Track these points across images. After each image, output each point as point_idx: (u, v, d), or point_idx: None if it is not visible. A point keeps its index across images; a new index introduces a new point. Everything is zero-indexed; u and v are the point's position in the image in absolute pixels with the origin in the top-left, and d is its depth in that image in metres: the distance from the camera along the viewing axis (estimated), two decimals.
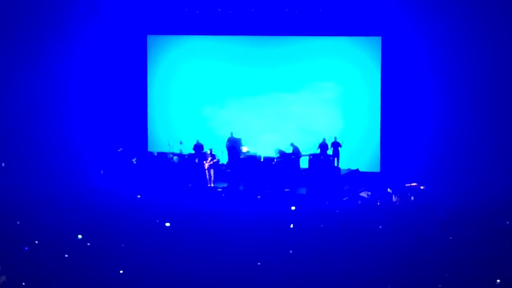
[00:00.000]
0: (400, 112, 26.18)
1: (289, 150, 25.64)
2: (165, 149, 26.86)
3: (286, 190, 24.26)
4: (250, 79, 28.12)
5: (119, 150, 26.56)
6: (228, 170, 26.09)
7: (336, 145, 26.02)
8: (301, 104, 27.60)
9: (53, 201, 19.91)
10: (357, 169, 26.43)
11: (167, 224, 17.15)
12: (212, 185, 25.31)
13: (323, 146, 25.84)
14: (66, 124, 27.96)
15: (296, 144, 25.76)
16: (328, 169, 24.78)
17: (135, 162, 26.44)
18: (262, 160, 25.44)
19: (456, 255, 14.40)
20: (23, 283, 13.16)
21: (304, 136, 26.92)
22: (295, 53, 27.61)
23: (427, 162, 25.40)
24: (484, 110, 25.13)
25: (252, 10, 26.90)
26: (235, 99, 28.27)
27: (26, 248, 14.81)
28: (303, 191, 24.42)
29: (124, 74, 28.51)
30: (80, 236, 15.76)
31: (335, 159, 25.86)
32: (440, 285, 13.19)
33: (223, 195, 24.16)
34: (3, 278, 12.95)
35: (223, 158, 26.83)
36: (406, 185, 24.05)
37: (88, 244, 15.42)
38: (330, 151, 25.88)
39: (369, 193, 23.87)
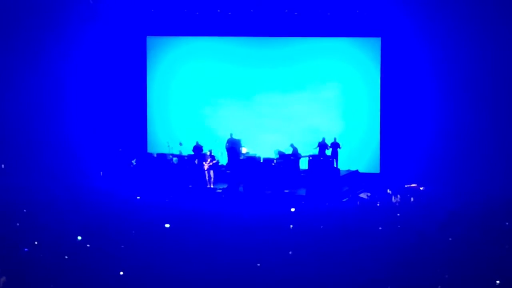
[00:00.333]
0: (400, 113, 26.18)
1: (289, 151, 25.64)
2: (164, 150, 26.87)
3: (285, 191, 24.26)
4: (249, 80, 28.13)
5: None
6: (228, 171, 26.09)
7: (335, 146, 26.03)
8: (301, 105, 27.61)
9: (53, 202, 19.91)
10: (357, 170, 26.43)
11: (167, 225, 17.15)
12: (211, 186, 25.31)
13: (322, 145, 25.84)
14: (66, 125, 27.96)
15: (295, 145, 25.77)
16: (328, 170, 24.78)
17: (134, 163, 26.44)
18: (261, 161, 25.44)
19: (456, 256, 14.39)
20: (23, 284, 13.16)
21: (304, 137, 26.91)
22: (295, 54, 27.62)
23: (427, 163, 25.41)
24: (483, 111, 25.13)
25: (252, 11, 26.90)
26: (234, 100, 28.28)
27: (26, 249, 14.80)
28: (302, 192, 24.42)
29: (124, 75, 28.52)
30: (79, 237, 15.75)
31: (335, 160, 25.87)
32: (439, 286, 13.19)
33: (223, 196, 24.15)
34: (3, 279, 12.95)
35: (223, 159, 26.84)
36: (406, 186, 24.05)
37: (88, 245, 15.41)
38: (329, 152, 25.88)
39: (369, 194, 23.87)
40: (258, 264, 14.21)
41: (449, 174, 24.91)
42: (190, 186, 25.17)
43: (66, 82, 27.98)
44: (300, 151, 25.69)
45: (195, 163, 25.62)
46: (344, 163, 26.26)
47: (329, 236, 16.23)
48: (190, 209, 20.22)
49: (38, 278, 13.31)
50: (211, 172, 25.34)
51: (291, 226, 17.42)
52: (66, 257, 14.42)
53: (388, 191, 23.36)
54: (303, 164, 25.55)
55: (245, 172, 25.14)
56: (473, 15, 24.64)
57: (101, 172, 26.49)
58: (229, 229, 16.86)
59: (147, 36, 28.88)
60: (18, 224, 17.05)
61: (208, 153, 25.58)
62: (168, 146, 26.89)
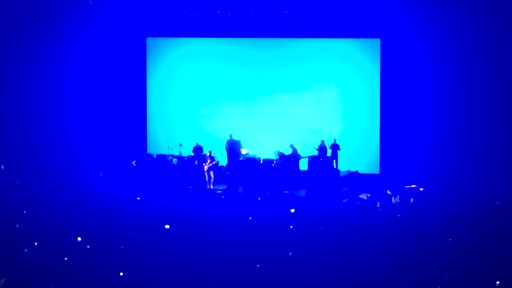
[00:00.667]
0: (399, 114, 26.21)
1: (289, 152, 25.65)
2: (164, 151, 26.90)
3: (285, 192, 24.27)
4: (249, 81, 28.16)
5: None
6: (228, 172, 26.12)
7: (335, 147, 26.04)
8: (300, 106, 27.63)
9: (53, 203, 19.89)
10: (357, 171, 26.44)
11: (167, 226, 17.14)
12: (211, 187, 25.32)
13: (321, 148, 25.86)
14: (66, 127, 27.95)
15: (295, 146, 25.78)
16: (328, 171, 24.80)
17: (134, 164, 26.44)
18: (261, 162, 25.45)
19: (456, 257, 14.39)
20: (23, 285, 13.15)
21: (303, 138, 26.94)
22: (295, 55, 27.65)
23: (427, 164, 25.42)
24: (483, 112, 25.14)
25: (251, 12, 26.91)
26: (234, 101, 28.30)
27: (26, 250, 14.79)
28: (302, 193, 24.42)
29: (124, 76, 28.55)
30: (79, 239, 15.74)
31: (334, 161, 25.89)
32: (439, 287, 13.19)
33: (223, 197, 24.14)
34: (3, 280, 12.95)
35: (223, 160, 26.85)
36: (406, 187, 24.04)
37: (88, 246, 15.40)
38: (328, 153, 25.90)
39: (369, 195, 23.88)
40: (258, 265, 14.20)
41: (449, 175, 24.91)
42: (190, 187, 25.17)
43: (66, 83, 27.98)
44: (299, 152, 25.71)
45: (195, 164, 25.62)
46: (344, 164, 26.28)
47: (329, 237, 16.22)
48: (190, 210, 20.19)
49: (38, 279, 13.31)
50: (211, 173, 25.36)
51: (291, 226, 17.41)
52: (66, 258, 14.41)
53: (388, 192, 23.36)
54: (303, 165, 25.56)
55: (245, 173, 25.15)
56: (473, 16, 24.65)
57: (101, 173, 26.49)
58: (229, 230, 16.84)
59: (147, 37, 28.92)
60: (18, 225, 17.03)
61: (208, 154, 25.60)
62: (168, 147, 26.92)
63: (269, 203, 22.51)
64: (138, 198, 22.89)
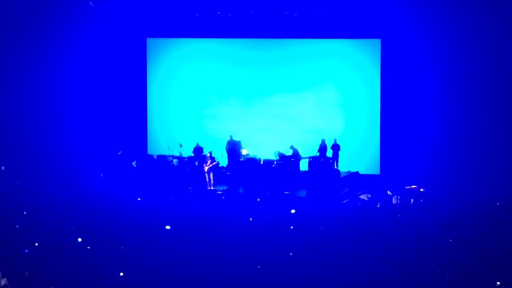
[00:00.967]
0: (400, 115, 26.20)
1: (289, 152, 25.65)
2: (165, 152, 26.90)
3: (286, 192, 24.26)
4: (249, 81, 28.16)
5: (118, 153, 26.58)
6: (228, 173, 26.11)
7: (335, 147, 26.05)
8: (301, 106, 27.63)
9: (53, 203, 19.89)
10: (357, 172, 26.44)
11: (167, 227, 17.13)
12: (212, 188, 25.31)
13: (322, 148, 25.87)
14: (66, 127, 27.96)
15: (296, 147, 25.78)
16: (328, 171, 24.80)
17: (135, 165, 26.44)
18: (261, 162, 25.45)
19: (456, 257, 14.38)
20: (24, 286, 13.16)
21: (304, 139, 26.93)
22: (295, 56, 27.65)
23: (427, 165, 25.42)
24: (484, 113, 25.14)
25: (252, 12, 26.91)
26: (234, 102, 28.30)
27: (26, 250, 14.80)
28: (303, 193, 24.42)
29: (124, 77, 28.56)
30: (80, 239, 15.74)
31: (334, 161, 25.89)
32: (440, 287, 13.19)
33: (223, 197, 24.14)
34: (4, 280, 12.95)
35: (223, 160, 26.85)
36: (406, 187, 24.04)
37: (88, 247, 15.40)
38: (329, 153, 25.90)
39: (369, 195, 23.87)
40: (258, 266, 14.20)
41: (449, 176, 24.90)
42: (190, 187, 25.17)
43: (66, 83, 27.99)
44: (300, 152, 25.71)
45: (195, 164, 25.62)
46: (344, 165, 26.28)
47: (329, 238, 16.21)
48: (190, 210, 20.19)
49: (39, 279, 13.31)
50: (211, 174, 25.36)
51: (291, 227, 17.41)
52: (67, 259, 14.41)
53: (388, 192, 23.36)
54: (303, 166, 25.56)
55: (245, 174, 25.15)
56: (474, 16, 24.65)
57: (102, 174, 26.49)
58: (229, 231, 16.84)
59: (147, 38, 28.91)
60: (18, 226, 17.03)
61: (208, 155, 25.60)
62: (168, 147, 26.91)
63: (270, 203, 22.51)
64: (139, 199, 22.89)
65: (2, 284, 12.93)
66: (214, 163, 25.46)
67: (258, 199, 22.97)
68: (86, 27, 27.62)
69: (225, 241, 15.79)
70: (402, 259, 14.37)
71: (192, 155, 26.30)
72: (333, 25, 26.46)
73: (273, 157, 25.65)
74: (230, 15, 27.16)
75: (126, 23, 28.10)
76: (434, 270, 13.87)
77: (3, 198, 21.05)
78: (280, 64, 27.81)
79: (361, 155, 27.04)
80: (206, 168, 25.33)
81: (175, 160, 26.28)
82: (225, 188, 25.14)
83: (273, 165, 25.22)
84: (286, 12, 26.65)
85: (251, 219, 18.57)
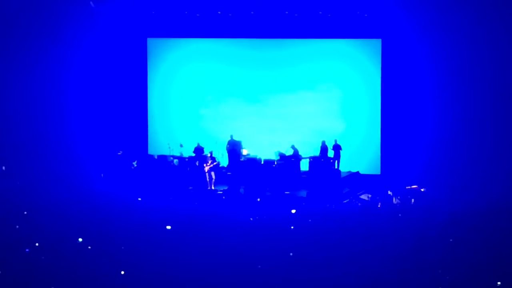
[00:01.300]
0: (400, 115, 26.19)
1: (290, 152, 25.64)
2: (165, 152, 26.90)
3: (286, 192, 24.25)
4: (250, 81, 28.15)
5: (119, 153, 26.59)
6: (229, 173, 26.10)
7: (336, 147, 26.04)
8: (301, 106, 27.61)
9: (54, 204, 19.89)
10: (358, 172, 26.43)
11: (168, 227, 17.14)
12: (212, 187, 25.31)
13: (323, 148, 25.86)
14: (67, 127, 27.96)
15: (296, 146, 25.77)
16: (329, 171, 24.79)
17: (135, 165, 26.44)
18: (262, 162, 25.44)
19: (457, 257, 14.38)
20: (24, 285, 13.16)
21: (304, 139, 26.92)
22: (296, 56, 27.63)
23: (428, 165, 25.41)
24: (484, 113, 25.13)
25: (252, 12, 26.90)
26: (235, 102, 28.29)
27: (27, 250, 14.80)
28: (303, 193, 24.41)
29: (124, 77, 28.54)
30: (80, 239, 15.75)
31: (336, 161, 25.89)
32: (440, 287, 13.19)
33: (224, 197, 24.14)
34: None
35: (224, 160, 26.84)
36: (407, 187, 24.04)
37: (89, 247, 15.41)
38: (331, 154, 25.89)
39: (370, 195, 23.86)
40: (259, 266, 14.20)
41: (450, 176, 24.90)
42: (191, 187, 25.17)
43: (67, 84, 27.99)
44: (301, 152, 25.70)
45: (195, 164, 25.61)
46: (345, 165, 26.27)
47: (329, 238, 16.21)
48: (191, 210, 20.20)
49: (39, 279, 13.31)
50: (212, 174, 25.35)
51: (292, 227, 17.41)
52: (67, 258, 14.41)
53: (389, 192, 23.36)
54: (304, 166, 25.56)
55: (246, 174, 25.14)
56: (474, 16, 24.64)
57: (102, 174, 26.49)
58: (229, 231, 16.84)
59: (148, 38, 28.90)
60: (18, 226, 17.04)
61: (209, 155, 25.59)
62: (169, 147, 26.91)
63: (270, 203, 22.51)
64: (139, 199, 22.89)
65: None
66: (214, 163, 25.45)
67: (258, 199, 22.97)
68: (87, 27, 27.62)
69: (226, 241, 15.80)
70: (402, 259, 14.37)
71: (193, 155, 26.30)
72: (334, 25, 26.45)
73: (273, 157, 25.64)
74: (230, 15, 27.15)
75: (127, 23, 28.09)
76: (434, 270, 13.87)
77: (3, 198, 21.06)
78: (281, 64, 27.80)
79: (361, 155, 27.04)
80: (206, 168, 25.33)
81: (175, 160, 26.27)
82: (226, 188, 25.13)
83: (274, 165, 25.21)
84: (287, 12, 26.64)
85: (251, 219, 18.61)
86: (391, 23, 25.80)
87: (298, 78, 27.67)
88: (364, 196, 24.03)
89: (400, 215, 19.32)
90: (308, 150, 26.13)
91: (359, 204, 22.84)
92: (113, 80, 28.38)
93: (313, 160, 25.20)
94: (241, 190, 24.73)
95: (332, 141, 26.23)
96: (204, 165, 25.37)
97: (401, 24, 25.58)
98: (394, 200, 22.64)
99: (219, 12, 27.15)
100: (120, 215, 18.55)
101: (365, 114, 27.16)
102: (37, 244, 15.24)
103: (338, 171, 25.40)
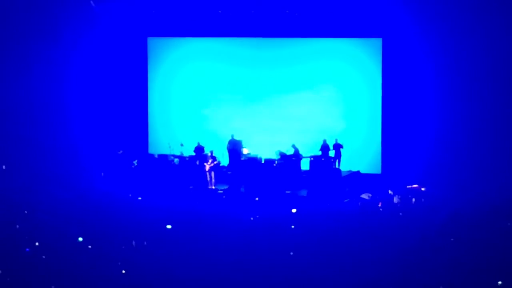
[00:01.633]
0: (401, 114, 26.14)
1: (290, 152, 25.62)
2: (166, 151, 26.87)
3: (287, 192, 24.24)
4: (250, 81, 28.12)
5: (119, 153, 26.59)
6: (229, 172, 26.08)
7: (337, 146, 26.02)
8: (302, 106, 27.58)
9: (54, 203, 19.90)
10: (358, 171, 26.39)
11: (168, 226, 17.13)
12: (213, 187, 25.30)
13: (324, 147, 25.84)
14: (67, 127, 27.94)
15: (297, 146, 25.75)
16: (329, 171, 24.76)
17: (136, 164, 26.43)
18: (263, 162, 25.42)
19: (458, 256, 14.37)
20: (24, 284, 13.16)
21: (305, 138, 26.89)
22: (296, 55, 27.60)
23: (429, 164, 25.35)
24: (485, 112, 25.09)
25: (253, 12, 26.88)
26: (235, 101, 28.26)
27: (27, 249, 14.81)
28: (304, 193, 24.40)
29: (125, 76, 28.52)
30: (80, 239, 15.74)
31: (336, 160, 25.87)
32: (441, 287, 13.17)
33: (224, 197, 24.13)
34: None
35: (224, 160, 26.82)
36: (407, 187, 24.01)
37: (89, 246, 15.41)
38: (332, 153, 25.87)
39: (370, 195, 23.83)
40: (260, 265, 14.19)
41: (451, 175, 24.85)
42: (191, 187, 25.15)
43: (67, 83, 27.96)
44: (301, 152, 25.68)
45: (196, 164, 25.60)
46: (346, 164, 26.23)
47: (330, 237, 16.21)
48: (191, 210, 20.20)
49: (39, 278, 13.31)
50: (212, 173, 25.34)
51: (293, 226, 17.41)
52: (67, 258, 14.41)
53: (390, 192, 23.34)
54: (305, 165, 25.54)
55: (247, 173, 25.13)
56: (475, 15, 24.60)
57: (103, 173, 26.48)
58: (230, 230, 16.84)
59: (148, 37, 28.87)
60: (19, 225, 17.04)
61: (210, 154, 25.57)
62: (169, 147, 26.88)
63: (271, 203, 22.50)
64: (140, 198, 22.90)
65: None
66: (215, 162, 25.44)
67: (257, 198, 22.96)
68: (87, 27, 27.59)
69: (226, 240, 15.80)
70: (403, 258, 14.36)
71: (193, 154, 26.28)
72: (335, 24, 26.40)
73: (274, 156, 25.61)
74: (231, 14, 27.11)
75: (127, 22, 28.06)
76: (435, 269, 13.85)
77: (4, 197, 21.06)
78: (282, 63, 27.76)
79: (362, 154, 26.99)
80: (207, 167, 25.32)
81: (176, 160, 26.25)
82: (226, 187, 25.12)
83: (274, 165, 25.19)
84: (287, 11, 26.61)
85: (252, 218, 18.61)
86: (391, 22, 25.75)
87: (299, 77, 27.63)
88: (364, 196, 24.00)
89: (400, 214, 19.33)
90: (309, 149, 26.10)
91: (360, 203, 22.82)
92: (113, 79, 28.36)
93: (314, 160, 25.17)
94: (242, 190, 24.72)
95: (333, 140, 26.21)
96: (205, 164, 25.35)
97: (402, 23, 25.53)
98: (395, 200, 22.62)
99: (219, 11, 27.12)
100: (120, 214, 18.56)
101: (365, 113, 27.11)
102: (37, 243, 15.24)
103: (338, 170, 25.37)
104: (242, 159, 25.97)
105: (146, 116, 29.04)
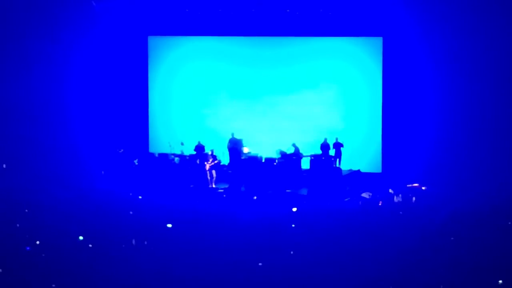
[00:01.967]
0: (402, 113, 26.15)
1: (291, 150, 25.62)
2: (166, 150, 26.88)
3: (287, 191, 24.24)
4: (251, 80, 28.13)
5: (119, 151, 26.60)
6: (230, 171, 26.08)
7: (338, 145, 26.02)
8: (302, 105, 27.59)
9: (54, 202, 19.89)
10: (359, 170, 26.41)
11: (169, 225, 17.13)
12: (213, 186, 25.30)
13: (324, 146, 25.84)
14: (68, 126, 27.94)
15: (297, 145, 25.75)
16: (330, 169, 24.76)
17: (136, 163, 26.43)
18: (263, 161, 25.43)
19: (458, 256, 14.36)
20: (24, 283, 13.16)
21: (305, 137, 26.90)
22: (297, 54, 27.60)
23: (429, 163, 25.36)
24: (485, 111, 25.08)
25: (253, 11, 26.88)
26: (236, 100, 28.27)
27: (28, 248, 14.81)
28: (304, 191, 24.40)
29: (125, 75, 28.53)
30: (81, 237, 15.74)
31: (337, 159, 25.87)
32: (442, 286, 13.17)
33: (224, 196, 24.13)
34: None
35: (225, 159, 26.82)
36: (408, 185, 24.01)
37: (90, 245, 15.40)
38: (332, 152, 25.88)
39: (371, 193, 23.84)
40: (260, 264, 14.19)
41: (451, 174, 24.86)
42: (192, 186, 25.16)
43: (68, 82, 27.96)
44: (302, 150, 25.69)
45: (196, 163, 25.60)
46: (346, 163, 26.24)
47: (330, 236, 16.20)
48: (191, 209, 20.19)
49: (40, 277, 13.31)
50: (213, 172, 25.35)
51: (293, 225, 17.40)
52: (68, 257, 14.40)
53: (390, 190, 23.34)
54: (305, 164, 25.54)
55: (247, 172, 25.13)
56: (475, 15, 24.59)
57: (103, 172, 26.49)
58: (230, 229, 16.84)
59: (149, 36, 28.88)
60: (19, 225, 17.04)
61: (210, 153, 25.58)
62: (170, 146, 26.89)
63: (271, 202, 22.50)
64: (140, 197, 22.89)
65: None
66: (215, 161, 25.44)
67: (255, 197, 22.96)
68: (88, 25, 27.59)
69: (227, 239, 15.79)
70: (403, 258, 14.36)
71: (194, 153, 26.28)
72: (335, 23, 26.41)
73: (274, 155, 25.62)
74: (231, 13, 27.10)
75: (128, 21, 28.07)
76: (435, 268, 13.85)
77: (4, 196, 21.06)
78: (282, 63, 27.77)
79: (362, 153, 27.01)
80: (207, 166, 25.32)
81: (176, 158, 26.26)
82: (227, 186, 25.13)
83: (275, 163, 25.19)
84: (288, 10, 26.61)
85: (243, 188, 18.45)
86: (392, 21, 25.75)
87: (299, 76, 27.64)
88: (365, 195, 24.00)
89: (401, 213, 19.31)
90: (309, 148, 26.10)
91: (360, 202, 22.81)
92: (114, 78, 28.37)
93: (314, 158, 25.17)
94: (242, 189, 24.73)
95: (333, 139, 26.21)
96: (205, 163, 25.36)
97: (403, 22, 25.53)
98: (395, 199, 22.62)
99: (220, 10, 27.12)
100: (120, 213, 18.55)
101: (366, 112, 27.12)
102: (37, 242, 15.24)
103: (339, 169, 25.37)
104: (243, 158, 25.98)
105: (147, 115, 29.06)
